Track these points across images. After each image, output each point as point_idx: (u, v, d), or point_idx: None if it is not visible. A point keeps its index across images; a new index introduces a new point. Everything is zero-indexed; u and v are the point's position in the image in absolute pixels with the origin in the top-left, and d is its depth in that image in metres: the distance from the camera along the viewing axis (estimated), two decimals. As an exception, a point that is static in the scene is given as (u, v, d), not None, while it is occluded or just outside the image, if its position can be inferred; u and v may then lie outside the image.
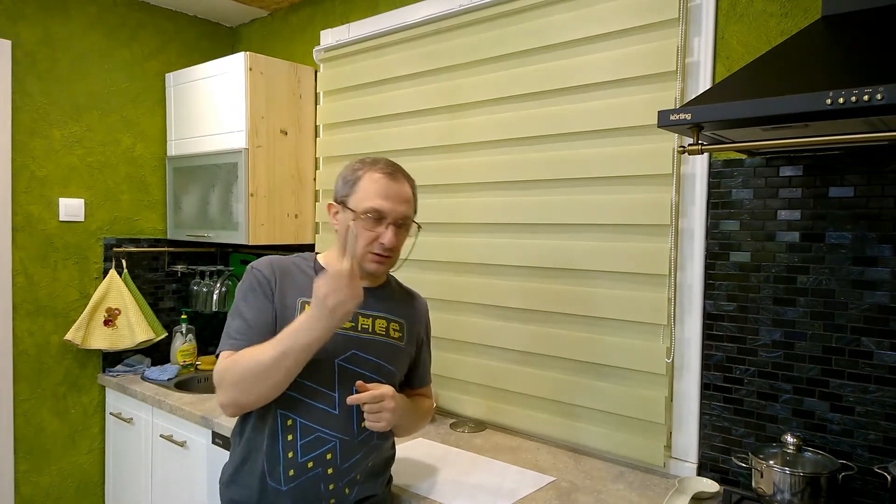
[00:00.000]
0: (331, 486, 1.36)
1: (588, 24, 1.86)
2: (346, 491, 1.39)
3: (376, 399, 1.32)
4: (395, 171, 1.40)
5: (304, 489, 1.35)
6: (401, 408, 1.38)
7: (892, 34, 1.20)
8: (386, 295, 1.50)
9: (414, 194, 1.44)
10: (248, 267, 1.41)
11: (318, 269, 1.43)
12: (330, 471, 1.36)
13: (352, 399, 1.32)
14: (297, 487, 1.34)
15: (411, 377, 1.57)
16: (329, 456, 1.36)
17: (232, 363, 1.29)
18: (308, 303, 1.26)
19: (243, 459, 1.40)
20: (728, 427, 1.65)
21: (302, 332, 1.23)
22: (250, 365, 1.26)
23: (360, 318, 1.42)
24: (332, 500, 1.37)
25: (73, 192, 2.63)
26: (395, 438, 1.55)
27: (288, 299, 1.37)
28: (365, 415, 1.34)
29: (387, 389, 1.35)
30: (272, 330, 1.31)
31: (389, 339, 1.46)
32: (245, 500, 1.38)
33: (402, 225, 1.40)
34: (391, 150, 2.38)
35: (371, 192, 1.36)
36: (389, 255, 1.39)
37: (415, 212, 1.45)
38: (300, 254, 1.49)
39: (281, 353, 1.23)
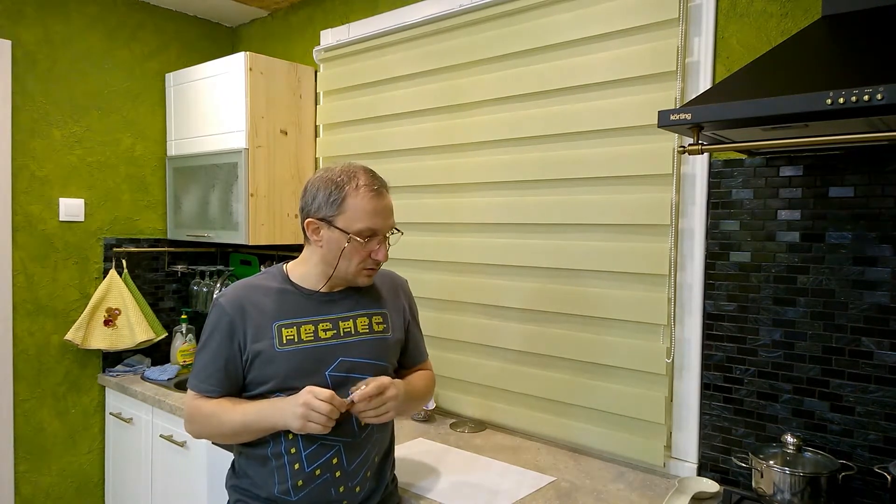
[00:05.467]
0: (341, 489, 1.37)
1: (588, 24, 1.86)
2: (357, 490, 1.39)
3: (379, 390, 1.31)
4: (379, 186, 1.37)
5: (314, 497, 1.35)
6: (403, 392, 1.37)
7: (892, 34, 1.19)
8: (362, 291, 1.49)
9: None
10: (214, 299, 1.41)
11: (289, 283, 1.42)
12: (338, 474, 1.36)
13: (357, 396, 1.30)
14: (307, 496, 1.35)
15: (406, 358, 1.56)
16: (335, 460, 1.36)
17: (198, 412, 1.38)
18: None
19: (247, 473, 1.40)
20: (728, 427, 1.65)
21: (266, 415, 1.31)
22: (215, 425, 1.36)
23: (341, 324, 1.42)
24: (345, 502, 1.37)
25: (73, 192, 2.63)
26: (396, 423, 1.55)
27: (261, 330, 1.36)
28: (370, 412, 1.31)
29: (385, 379, 1.34)
30: (235, 368, 1.37)
31: (375, 335, 1.45)
32: None
33: (389, 235, 1.43)
34: (391, 150, 2.38)
35: (362, 212, 1.33)
36: (379, 266, 1.43)
37: None
38: (266, 270, 1.47)
39: (242, 424, 1.33)
